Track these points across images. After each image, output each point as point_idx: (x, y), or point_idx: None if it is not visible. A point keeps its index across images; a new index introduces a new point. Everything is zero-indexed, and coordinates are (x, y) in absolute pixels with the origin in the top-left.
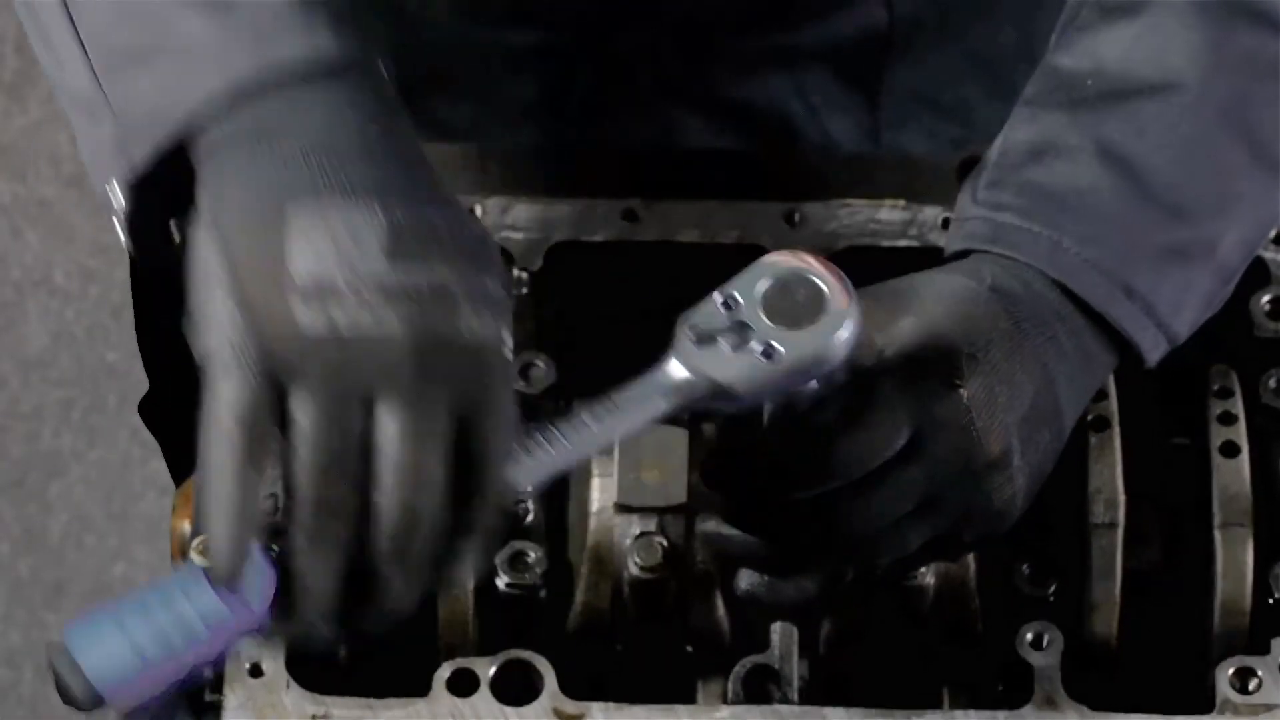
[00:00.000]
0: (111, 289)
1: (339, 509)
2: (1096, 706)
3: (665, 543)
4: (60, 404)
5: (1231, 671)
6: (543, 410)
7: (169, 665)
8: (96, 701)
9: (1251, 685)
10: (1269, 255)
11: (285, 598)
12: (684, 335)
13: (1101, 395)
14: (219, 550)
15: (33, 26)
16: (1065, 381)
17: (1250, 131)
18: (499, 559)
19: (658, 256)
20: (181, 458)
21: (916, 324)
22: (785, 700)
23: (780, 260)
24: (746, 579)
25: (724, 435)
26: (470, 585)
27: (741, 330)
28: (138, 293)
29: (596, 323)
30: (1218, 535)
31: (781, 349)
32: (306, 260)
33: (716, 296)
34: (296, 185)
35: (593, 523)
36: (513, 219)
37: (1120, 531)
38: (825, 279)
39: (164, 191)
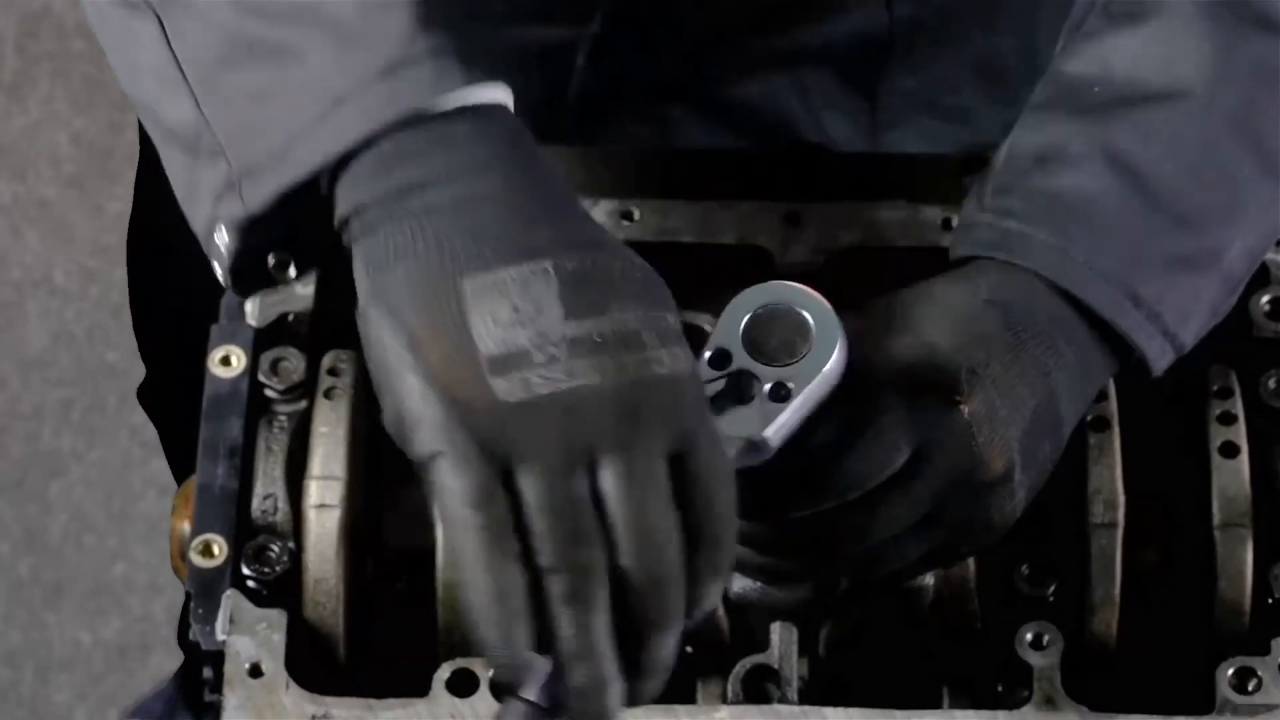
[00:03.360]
0: (111, 289)
1: (592, 571)
2: (1096, 706)
3: None
4: (60, 404)
5: (1231, 672)
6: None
7: None
8: None
9: (1251, 685)
10: (1269, 256)
11: (559, 682)
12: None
13: (1101, 396)
14: (499, 652)
15: (116, 46)
16: (1065, 390)
17: (1258, 140)
18: None
19: (657, 257)
20: (182, 447)
21: (914, 342)
22: (785, 700)
23: (749, 297)
24: (739, 583)
25: None
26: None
27: (745, 381)
28: (134, 281)
29: None
30: (1218, 535)
31: (790, 384)
32: (491, 332)
33: (705, 357)
34: (464, 255)
35: None
36: None
37: (1120, 531)
38: (798, 301)
39: (272, 232)
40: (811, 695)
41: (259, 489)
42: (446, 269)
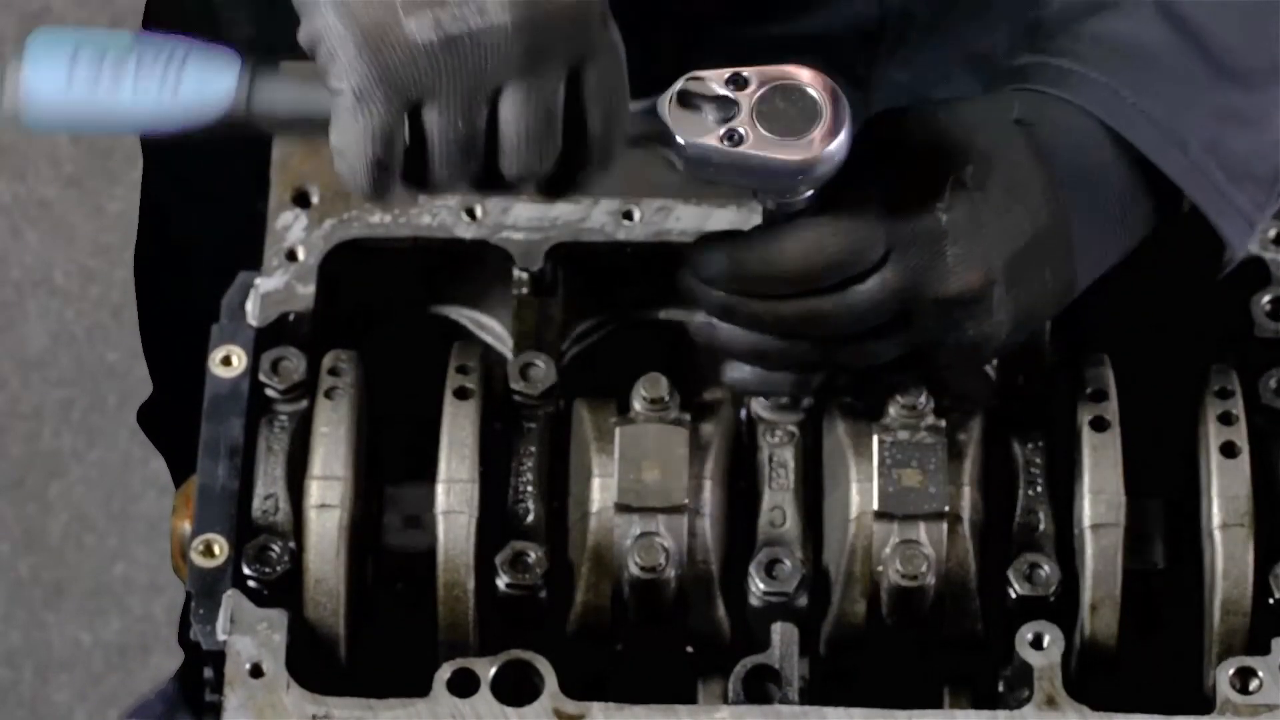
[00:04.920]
0: (111, 289)
1: (461, 183)
2: (1096, 706)
3: (666, 543)
4: (60, 404)
5: (1232, 672)
6: (541, 410)
7: (95, 100)
8: (17, 117)
9: (1252, 686)
10: (1269, 256)
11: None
12: (676, 84)
13: (1102, 395)
14: (364, 195)
15: None
16: (1090, 230)
17: None
18: (499, 560)
19: (656, 257)
20: (182, 459)
21: (918, 138)
22: (785, 700)
23: (797, 71)
24: (735, 371)
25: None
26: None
27: (726, 107)
28: (143, 293)
29: (595, 323)
30: (1217, 535)
31: (747, 139)
32: None
33: (727, 71)
34: None
35: (593, 523)
36: (513, 219)
37: (1120, 531)
38: (828, 104)
39: None
40: (812, 695)
41: (260, 489)
42: None
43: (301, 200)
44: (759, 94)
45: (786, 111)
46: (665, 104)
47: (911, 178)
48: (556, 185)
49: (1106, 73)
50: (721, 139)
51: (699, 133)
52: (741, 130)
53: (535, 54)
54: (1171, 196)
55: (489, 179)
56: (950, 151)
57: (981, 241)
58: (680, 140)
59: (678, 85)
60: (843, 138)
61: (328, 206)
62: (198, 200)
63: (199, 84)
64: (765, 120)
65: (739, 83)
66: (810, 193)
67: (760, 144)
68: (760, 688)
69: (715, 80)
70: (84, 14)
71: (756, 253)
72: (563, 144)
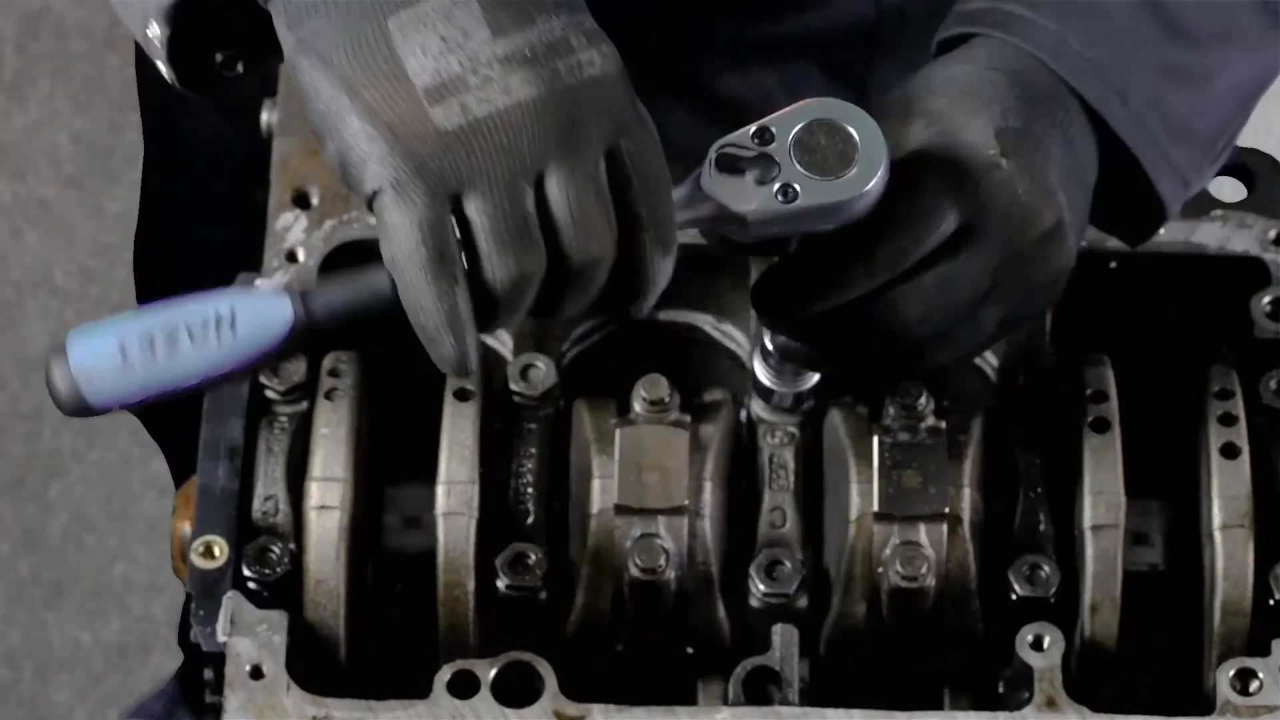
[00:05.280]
0: (111, 289)
1: (532, 278)
2: (1097, 707)
3: (666, 545)
4: None
5: (1232, 673)
6: (542, 411)
7: (154, 367)
8: (78, 399)
9: (1252, 687)
10: (1269, 256)
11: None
12: (710, 156)
13: (1102, 396)
14: (447, 353)
15: None
16: (1072, 156)
17: None
18: (499, 561)
19: None
20: (181, 454)
21: (932, 124)
22: (785, 702)
23: (823, 105)
24: (782, 339)
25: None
26: None
27: (768, 165)
28: (142, 287)
29: (595, 323)
30: (1218, 535)
31: (799, 190)
32: (423, 64)
33: (751, 127)
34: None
35: (593, 524)
36: None
37: (1120, 531)
38: (858, 133)
39: (204, 22)
40: (812, 696)
41: (260, 490)
42: (369, 12)
43: (301, 201)
44: (792, 141)
45: (824, 150)
46: (709, 179)
47: (956, 138)
48: (626, 288)
49: (1055, 19)
50: (776, 197)
51: (750, 198)
52: (794, 186)
53: (570, 130)
54: (1112, 152)
55: (554, 281)
56: (974, 106)
57: (1037, 173)
58: (738, 212)
59: (712, 156)
60: (885, 160)
61: (328, 207)
62: (197, 193)
63: (255, 323)
64: (808, 165)
65: (766, 137)
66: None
67: (813, 192)
68: (760, 689)
69: (744, 142)
70: (83, 14)
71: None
72: (618, 233)
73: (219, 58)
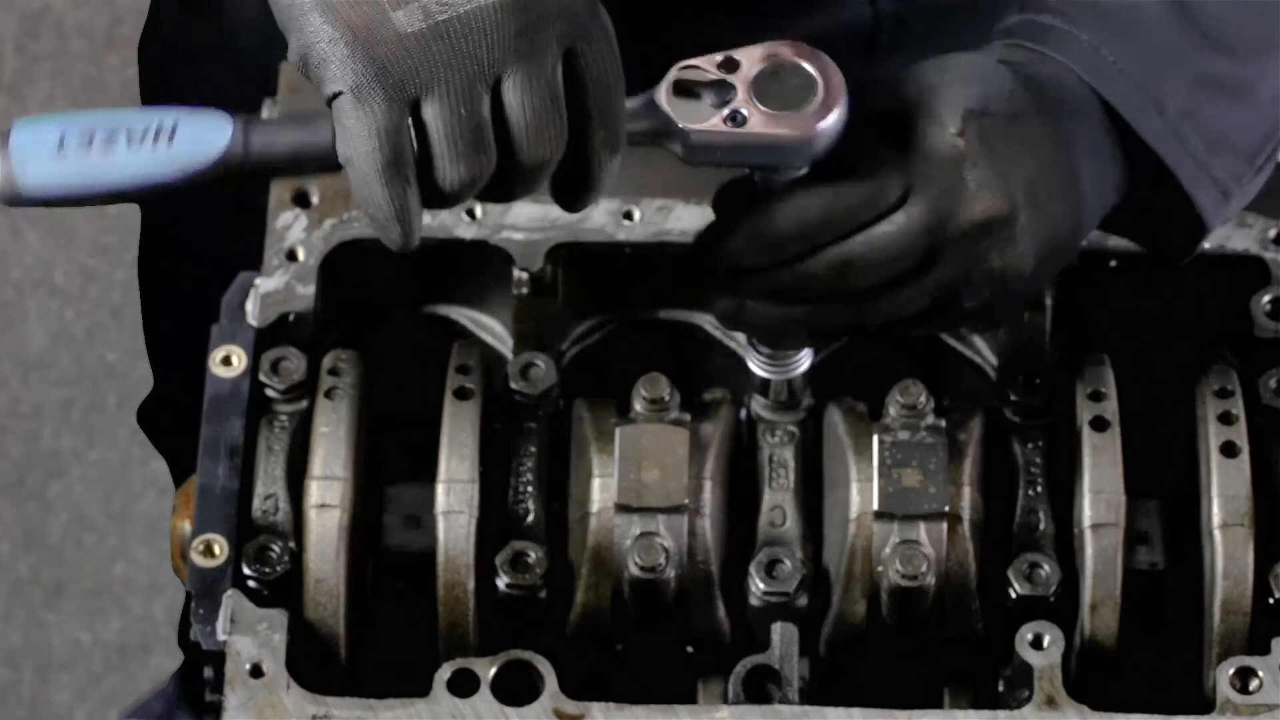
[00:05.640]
0: (111, 289)
1: (479, 179)
2: (1097, 707)
3: (666, 543)
4: (60, 404)
5: (1232, 672)
6: (542, 410)
7: (88, 164)
8: (11, 184)
9: (1252, 685)
10: (1269, 256)
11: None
12: (670, 75)
13: (1102, 395)
14: (394, 239)
15: None
16: (1088, 169)
17: None
18: (499, 560)
19: (656, 257)
20: (185, 463)
21: (908, 91)
22: (785, 700)
23: (785, 49)
24: (724, 303)
25: (716, 209)
26: None
27: (723, 90)
28: (146, 287)
29: (595, 323)
30: (1218, 535)
31: (747, 118)
32: None
33: (718, 55)
34: None
35: (593, 523)
36: (513, 219)
37: (1120, 531)
38: (821, 77)
39: None
40: (812, 695)
41: (260, 489)
42: None
43: (301, 200)
44: (754, 73)
45: (783, 88)
46: (662, 95)
47: (922, 111)
48: (573, 183)
49: (1089, 31)
50: (724, 121)
51: (700, 119)
52: (743, 111)
53: (529, 35)
54: (1148, 165)
55: (503, 178)
56: (954, 83)
57: (999, 164)
58: (683, 127)
59: (672, 75)
60: (840, 107)
61: (328, 206)
62: (198, 192)
63: (193, 138)
64: (764, 99)
65: (731, 66)
66: (807, 167)
67: (762, 123)
68: (760, 688)
69: (708, 66)
70: (83, 14)
71: (777, 212)
72: (569, 135)
73: None
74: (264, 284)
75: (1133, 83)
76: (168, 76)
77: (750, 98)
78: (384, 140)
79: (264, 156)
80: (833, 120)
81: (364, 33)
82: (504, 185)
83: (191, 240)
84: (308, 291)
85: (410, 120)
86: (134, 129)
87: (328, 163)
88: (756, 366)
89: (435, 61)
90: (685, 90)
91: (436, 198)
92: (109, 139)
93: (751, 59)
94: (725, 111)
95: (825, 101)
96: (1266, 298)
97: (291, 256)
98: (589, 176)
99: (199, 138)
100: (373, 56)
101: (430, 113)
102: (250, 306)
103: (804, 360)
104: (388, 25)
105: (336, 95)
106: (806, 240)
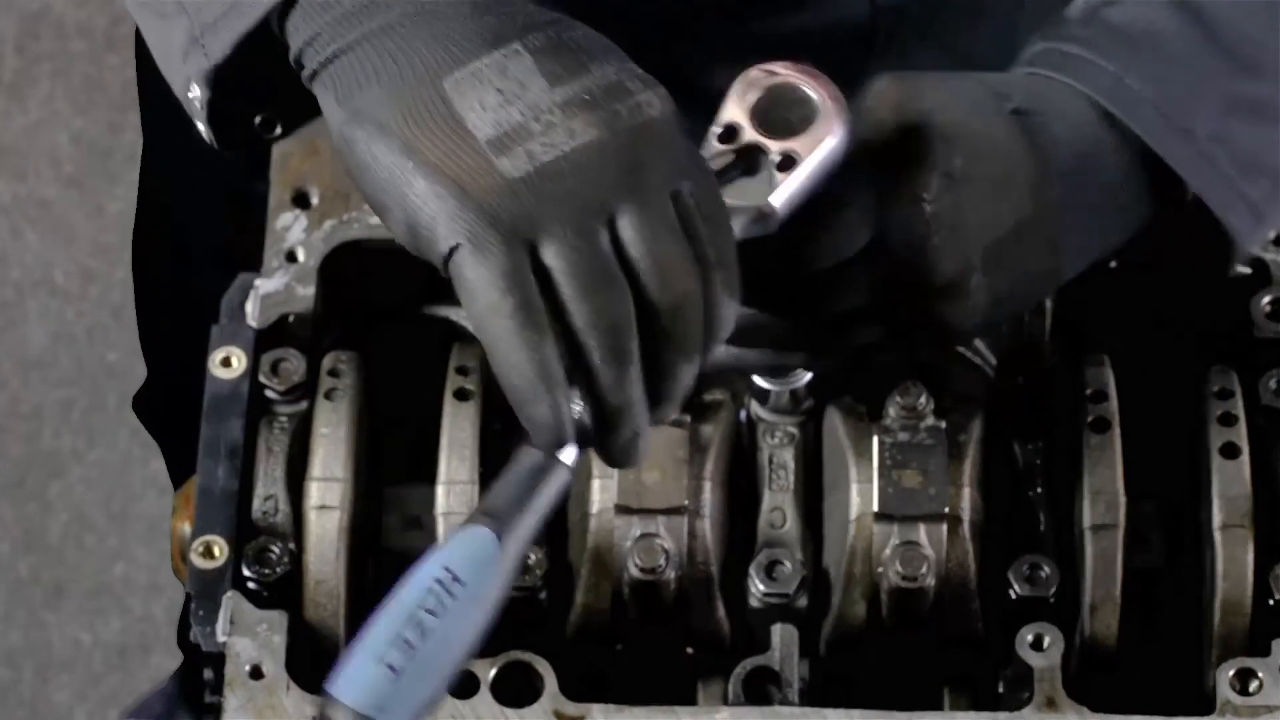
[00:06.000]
0: (111, 289)
1: (626, 323)
2: (1097, 707)
3: (666, 545)
4: (60, 404)
5: (1232, 673)
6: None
7: (426, 660)
8: None
9: (1252, 686)
10: (1269, 256)
11: (601, 433)
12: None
13: (1102, 395)
14: (547, 425)
15: None
16: (1082, 218)
17: None
18: None
19: None
20: (180, 453)
21: (912, 122)
22: (785, 702)
23: (755, 76)
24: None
25: None
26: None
27: (750, 154)
28: (140, 280)
29: None
30: (1218, 535)
31: (799, 151)
32: (483, 117)
33: (714, 131)
34: (435, 60)
35: (593, 524)
36: None
37: (1120, 531)
38: (806, 83)
39: (243, 83)
40: (812, 696)
41: (260, 490)
42: (421, 75)
43: (301, 201)
44: (755, 118)
45: (786, 114)
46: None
47: (901, 167)
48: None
49: (1113, 59)
50: (780, 172)
51: (766, 189)
52: (787, 150)
53: (637, 170)
54: (1174, 189)
55: (649, 332)
56: (941, 139)
57: (963, 232)
58: (776, 207)
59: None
60: (842, 113)
61: (328, 207)
62: (196, 191)
63: (473, 567)
64: (782, 132)
65: (731, 134)
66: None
67: (806, 145)
68: (760, 689)
69: (711, 151)
70: (83, 14)
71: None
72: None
73: (258, 119)
74: (264, 285)
75: (1159, 110)
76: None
77: (770, 140)
78: (511, 284)
79: (529, 529)
80: (843, 124)
81: (470, 183)
82: (653, 343)
83: (186, 233)
84: (307, 292)
85: (533, 270)
86: (427, 603)
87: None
88: (758, 377)
89: (547, 201)
90: (728, 182)
91: (580, 355)
92: (419, 629)
93: (736, 110)
94: (776, 162)
95: (828, 109)
96: (1266, 298)
97: (291, 257)
98: (714, 323)
99: (477, 565)
100: (483, 204)
101: (550, 253)
102: (250, 307)
103: (805, 372)
104: (493, 173)
105: (453, 252)
106: (771, 278)
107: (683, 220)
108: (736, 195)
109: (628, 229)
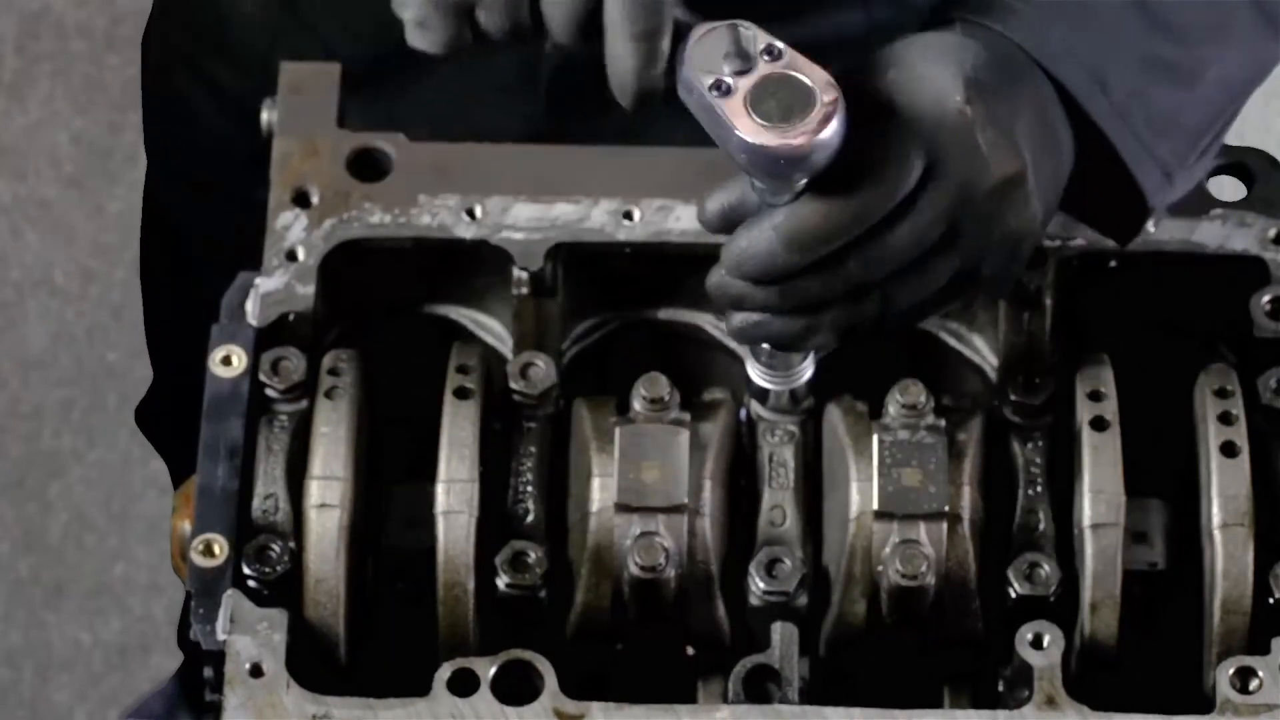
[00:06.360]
0: (111, 289)
1: None
2: (1097, 706)
3: (666, 543)
4: (60, 404)
5: (1232, 671)
6: (541, 410)
7: None
8: None
9: (1252, 685)
10: (1269, 255)
11: None
12: (730, 21)
13: (1101, 395)
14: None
15: None
16: (1063, 131)
17: None
18: (499, 560)
19: (655, 257)
20: (183, 462)
21: (900, 72)
22: (785, 700)
23: (807, 71)
24: (740, 318)
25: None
26: None
27: (746, 63)
28: (147, 285)
29: (595, 323)
30: (1217, 535)
31: (733, 105)
32: None
33: (770, 39)
34: None
35: (593, 523)
36: (513, 219)
37: (1120, 531)
38: (806, 75)
39: None
40: (812, 695)
41: (260, 489)
42: None
43: (301, 200)
44: (754, 112)
45: (782, 101)
46: (703, 28)
47: (920, 86)
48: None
49: (1039, 10)
50: (710, 88)
51: (706, 67)
52: (735, 87)
53: None
54: (1093, 142)
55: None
56: (943, 58)
57: (1004, 125)
58: (682, 65)
59: (729, 22)
60: (838, 120)
61: (328, 206)
62: (198, 192)
63: None
64: (775, 118)
65: (774, 54)
66: (803, 183)
67: (749, 126)
68: (760, 687)
69: (757, 40)
70: (84, 14)
71: (800, 218)
72: None
73: None
74: (264, 284)
75: (1080, 62)
76: (168, 77)
77: (746, 96)
78: None
79: None
80: (830, 133)
81: None
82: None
83: (192, 236)
84: (308, 291)
85: None
86: None
87: None
88: (758, 376)
89: None
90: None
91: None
92: None
93: (777, 67)
94: (725, 77)
95: (823, 114)
96: (1266, 298)
97: (291, 256)
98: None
99: None
100: None
101: None
102: (250, 306)
103: (806, 370)
104: None
105: None
106: (833, 242)
107: None
108: (705, 51)
109: None
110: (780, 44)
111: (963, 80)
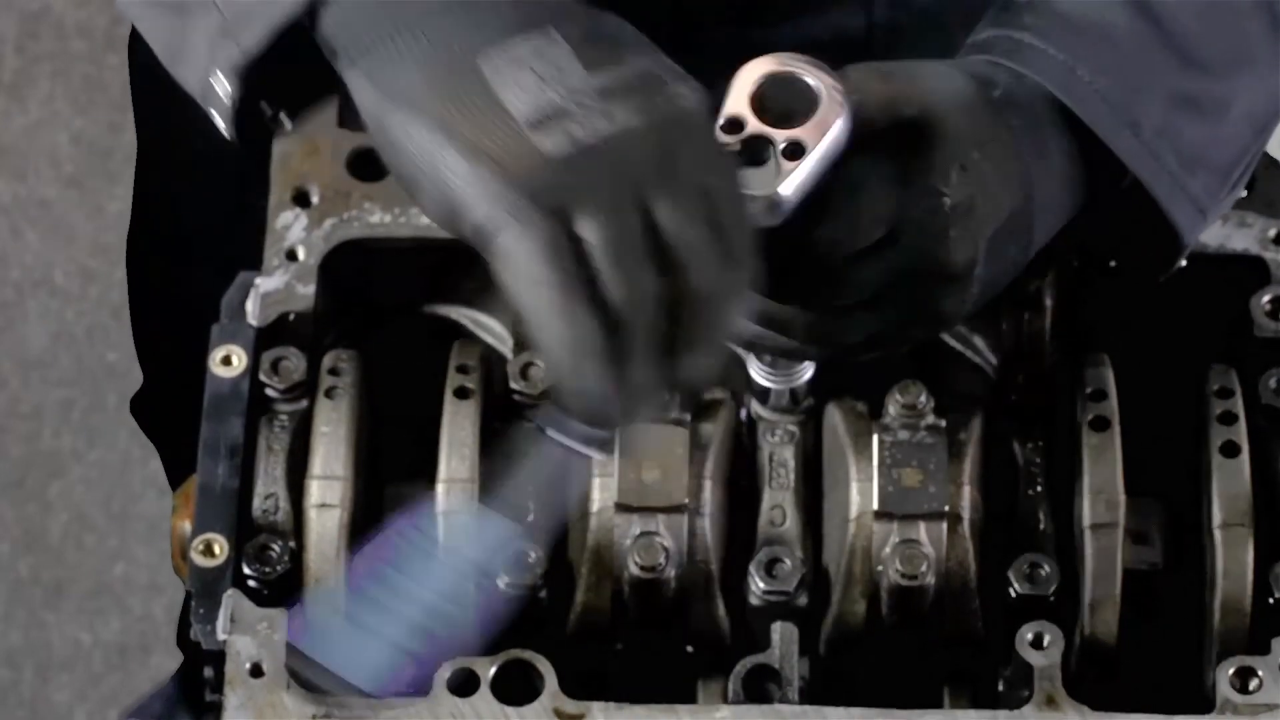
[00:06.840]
0: (111, 289)
1: (660, 300)
2: (1097, 706)
3: (666, 543)
4: (60, 404)
5: (1232, 671)
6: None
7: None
8: None
9: (1252, 685)
10: (1269, 255)
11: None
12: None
13: (1102, 395)
14: (587, 395)
15: None
16: (1044, 201)
17: (1273, 3)
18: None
19: None
20: (178, 456)
21: (921, 114)
22: (785, 700)
23: (755, 67)
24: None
25: None
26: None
27: (756, 145)
28: (135, 283)
29: None
30: (1218, 535)
31: (805, 139)
32: (521, 97)
33: (718, 124)
34: (471, 42)
35: (593, 522)
36: None
37: (1120, 531)
38: (806, 71)
39: (271, 78)
40: (812, 695)
41: (260, 488)
42: (458, 58)
43: (301, 200)
44: (758, 108)
45: (788, 100)
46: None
47: (913, 159)
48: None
49: (1064, 49)
50: (787, 159)
51: (775, 177)
52: (793, 139)
53: (673, 158)
54: (1110, 179)
55: (678, 314)
56: (953, 132)
57: (974, 223)
58: (785, 194)
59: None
60: (828, 76)
61: (328, 206)
62: (193, 192)
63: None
64: (784, 121)
65: (735, 126)
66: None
67: (812, 132)
68: (760, 687)
69: (757, 134)
70: (84, 14)
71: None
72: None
73: (268, 111)
74: (264, 284)
75: (1107, 101)
76: (158, 76)
77: (775, 130)
78: (551, 256)
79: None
80: (847, 110)
81: (510, 161)
82: (675, 327)
83: (182, 235)
84: (308, 291)
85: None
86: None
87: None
88: (759, 375)
89: (587, 179)
90: (756, 159)
91: (616, 330)
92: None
93: (738, 102)
94: (781, 149)
95: (831, 96)
96: (1266, 297)
97: (291, 256)
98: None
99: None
100: (525, 182)
101: (588, 227)
102: (250, 306)
103: (807, 370)
104: (534, 152)
105: (491, 230)
106: (787, 263)
107: (710, 212)
108: (751, 180)
109: (663, 213)
110: (727, 114)
111: (957, 167)
